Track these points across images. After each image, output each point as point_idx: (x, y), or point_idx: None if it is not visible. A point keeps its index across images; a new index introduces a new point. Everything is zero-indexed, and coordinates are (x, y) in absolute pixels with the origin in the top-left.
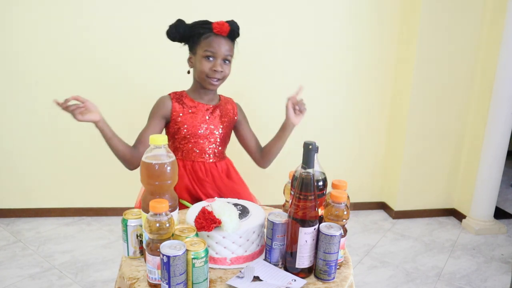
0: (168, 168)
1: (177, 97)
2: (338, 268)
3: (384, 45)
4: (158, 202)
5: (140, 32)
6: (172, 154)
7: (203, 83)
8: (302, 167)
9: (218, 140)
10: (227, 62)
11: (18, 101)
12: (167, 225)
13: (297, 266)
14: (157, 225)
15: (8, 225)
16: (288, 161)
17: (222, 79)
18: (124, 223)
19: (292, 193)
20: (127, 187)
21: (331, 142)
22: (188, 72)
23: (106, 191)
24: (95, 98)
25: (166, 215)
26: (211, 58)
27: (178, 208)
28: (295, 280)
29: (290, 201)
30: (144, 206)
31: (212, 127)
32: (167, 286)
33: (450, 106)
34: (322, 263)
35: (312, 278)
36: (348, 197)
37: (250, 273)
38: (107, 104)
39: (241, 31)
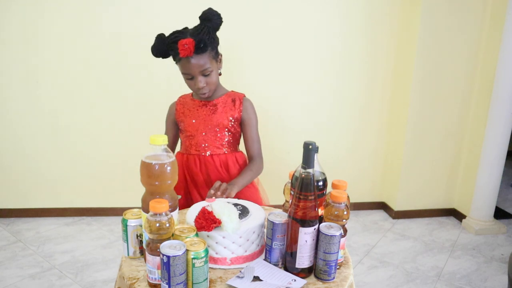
0: (168, 168)
1: (182, 98)
2: (338, 268)
3: (384, 45)
4: (158, 202)
5: (142, 32)
6: (172, 154)
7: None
8: (302, 167)
9: (218, 135)
10: (207, 74)
11: (19, 101)
12: (167, 225)
13: (297, 266)
14: (157, 225)
15: (8, 225)
16: (288, 161)
17: (210, 89)
18: (124, 223)
19: (292, 193)
20: (127, 187)
21: (331, 142)
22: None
23: (106, 191)
24: (96, 97)
25: (166, 215)
26: (190, 77)
27: (178, 208)
28: (295, 280)
29: (290, 201)
30: (144, 206)
31: (206, 121)
32: (167, 286)
33: (450, 106)
34: (322, 263)
35: (312, 278)
36: (348, 197)
37: (250, 273)
38: (107, 104)
39: (236, 28)
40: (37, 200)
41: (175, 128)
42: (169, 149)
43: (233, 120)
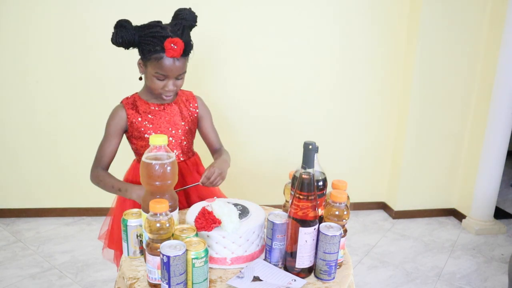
0: (168, 168)
1: (130, 103)
2: (338, 268)
3: (385, 46)
4: (158, 202)
5: None
6: (172, 154)
7: (157, 96)
8: (302, 167)
9: (183, 138)
10: (180, 78)
11: (18, 100)
12: (167, 225)
13: (297, 266)
14: (157, 225)
15: (8, 225)
16: (288, 161)
17: (177, 92)
18: (124, 223)
19: (292, 193)
20: None
21: (331, 142)
22: (140, 79)
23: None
24: (95, 97)
25: (166, 215)
26: (162, 78)
27: (178, 208)
28: (295, 280)
29: (290, 201)
30: (144, 206)
31: (172, 125)
32: (167, 286)
33: (450, 106)
34: (322, 263)
35: (312, 278)
36: (348, 197)
37: (250, 273)
38: (107, 103)
39: (242, 25)
40: (37, 200)
41: (120, 136)
42: (169, 149)
43: (191, 119)
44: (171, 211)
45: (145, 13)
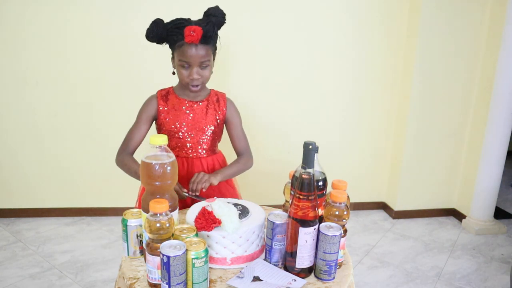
0: (168, 168)
1: (163, 94)
2: (338, 268)
3: (385, 46)
4: (158, 202)
5: (140, 32)
6: (172, 154)
7: (186, 87)
8: (302, 167)
9: (204, 136)
10: (204, 67)
11: (19, 101)
12: (167, 225)
13: (297, 266)
14: (157, 225)
15: (8, 225)
16: (288, 161)
17: (202, 83)
18: (124, 223)
19: (292, 193)
20: (127, 187)
21: (331, 142)
22: (174, 73)
23: (106, 191)
24: (95, 97)
25: (166, 215)
26: (186, 66)
27: (178, 208)
28: (295, 280)
29: (290, 201)
30: (144, 206)
31: (194, 122)
32: (167, 286)
33: (450, 106)
34: (322, 263)
35: (312, 278)
36: (348, 197)
37: (250, 273)
38: (106, 103)
39: (242, 25)
40: (37, 200)
41: (149, 124)
42: (169, 149)
43: (219, 120)
44: (171, 211)
45: (146, 13)
